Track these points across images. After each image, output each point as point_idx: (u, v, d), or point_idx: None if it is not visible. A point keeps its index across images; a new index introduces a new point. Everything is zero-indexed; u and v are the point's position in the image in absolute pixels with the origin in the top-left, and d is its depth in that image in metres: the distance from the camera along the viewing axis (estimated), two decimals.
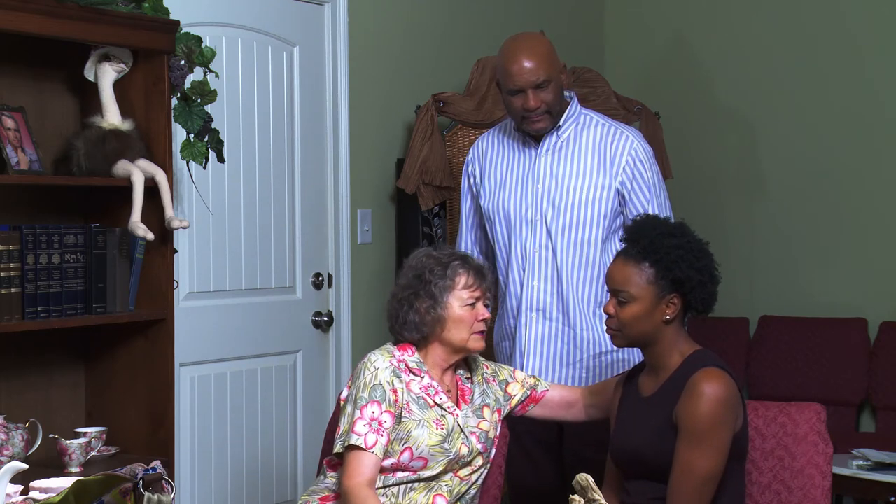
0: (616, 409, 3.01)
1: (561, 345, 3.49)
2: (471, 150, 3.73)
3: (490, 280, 3.15)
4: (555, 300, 3.48)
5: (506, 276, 3.57)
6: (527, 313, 3.51)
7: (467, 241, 3.74)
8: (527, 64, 3.42)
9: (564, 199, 3.48)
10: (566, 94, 3.57)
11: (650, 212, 3.43)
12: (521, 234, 3.52)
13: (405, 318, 3.06)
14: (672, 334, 2.88)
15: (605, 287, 3.45)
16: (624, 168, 3.47)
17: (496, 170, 3.61)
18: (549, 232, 3.49)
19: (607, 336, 3.44)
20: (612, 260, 3.46)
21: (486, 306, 3.10)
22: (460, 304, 3.05)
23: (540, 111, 3.45)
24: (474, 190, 3.68)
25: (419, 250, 3.18)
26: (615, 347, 3.45)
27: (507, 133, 3.65)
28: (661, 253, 2.83)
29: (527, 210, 3.52)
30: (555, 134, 3.53)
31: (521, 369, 3.49)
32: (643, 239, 2.87)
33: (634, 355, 3.45)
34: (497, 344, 3.67)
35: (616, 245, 3.49)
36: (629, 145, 3.49)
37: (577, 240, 3.47)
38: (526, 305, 3.51)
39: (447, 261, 3.08)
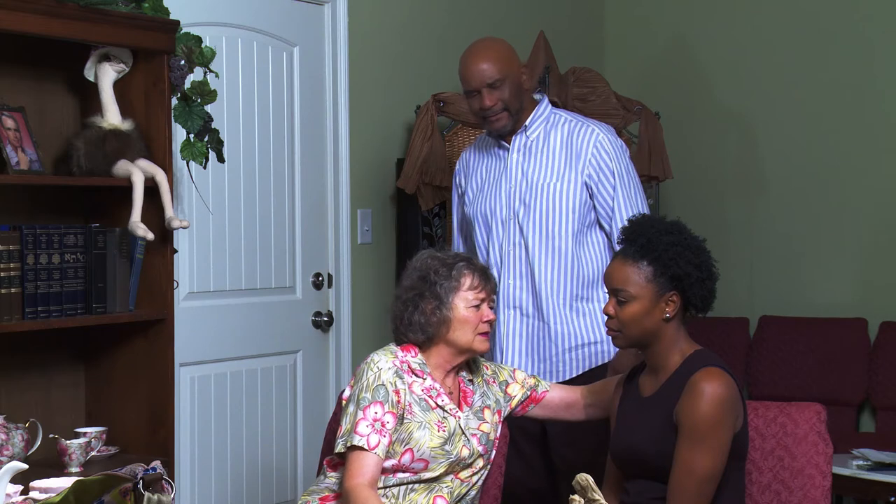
0: (616, 409, 3.01)
1: (536, 340, 3.55)
2: (457, 163, 3.83)
3: (494, 282, 3.15)
4: (529, 296, 3.55)
5: None
6: (505, 311, 3.58)
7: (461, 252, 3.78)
8: (479, 65, 3.52)
9: (534, 196, 3.55)
10: (536, 95, 3.65)
11: (615, 201, 3.52)
12: (497, 234, 3.60)
13: (410, 320, 3.06)
14: (672, 333, 2.88)
15: (581, 281, 3.50)
16: (589, 160, 3.54)
17: (477, 176, 3.71)
18: (521, 229, 3.56)
19: (581, 329, 3.51)
20: (588, 254, 3.52)
21: (491, 308, 3.11)
22: (465, 304, 3.05)
23: (496, 109, 3.53)
24: (461, 196, 3.77)
25: (423, 252, 3.18)
26: (590, 340, 3.50)
27: (484, 141, 3.74)
28: (658, 250, 2.84)
29: (501, 210, 3.60)
30: (523, 134, 3.61)
31: None
32: (640, 238, 2.87)
33: (610, 348, 3.48)
34: None
35: (593, 239, 3.55)
36: (594, 138, 3.56)
37: (548, 234, 3.53)
38: (504, 304, 3.57)
39: (452, 262, 3.08)
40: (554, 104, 4.87)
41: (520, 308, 3.57)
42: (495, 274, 3.57)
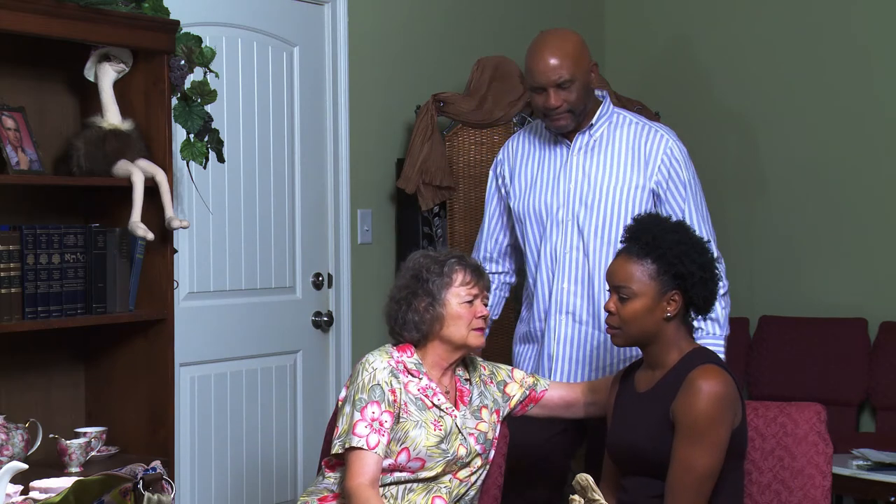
0: (612, 405, 3.01)
1: (590, 349, 3.43)
2: (500, 151, 3.65)
3: (487, 279, 3.15)
4: (585, 303, 3.42)
5: (535, 279, 3.50)
6: (556, 316, 3.44)
7: (487, 245, 3.67)
8: (550, 62, 3.35)
9: (597, 199, 3.41)
10: (598, 93, 3.50)
11: (686, 211, 3.40)
12: (551, 234, 3.45)
13: (404, 318, 3.07)
14: (672, 332, 2.88)
15: None
16: (659, 168, 3.42)
17: (527, 170, 3.55)
18: (580, 232, 3.42)
19: None
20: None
21: (485, 304, 3.11)
22: (458, 300, 3.05)
23: (561, 110, 3.38)
24: (503, 191, 3.61)
25: (415, 252, 3.20)
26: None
27: (537, 133, 3.58)
28: (663, 248, 2.84)
29: (558, 210, 3.45)
30: (587, 133, 3.46)
31: (550, 373, 3.46)
32: (645, 235, 2.88)
33: None
34: (517, 346, 3.62)
35: None
36: (664, 144, 3.45)
37: (611, 240, 3.39)
38: (556, 308, 3.44)
39: (444, 259, 3.10)
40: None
41: (573, 314, 3.42)
42: (546, 277, 3.45)
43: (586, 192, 3.43)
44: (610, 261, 3.37)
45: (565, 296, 3.43)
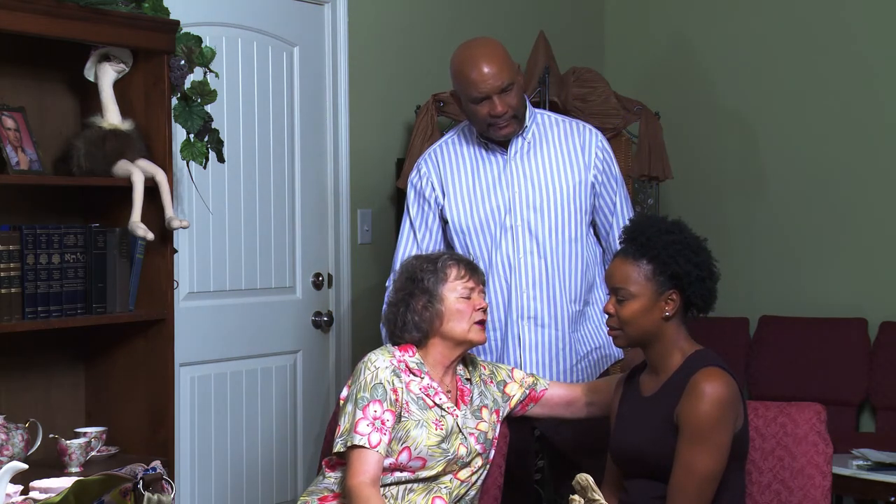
0: (616, 408, 3.02)
1: (556, 350, 3.44)
2: (422, 164, 3.54)
3: (481, 273, 3.16)
4: (545, 306, 3.42)
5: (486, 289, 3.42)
6: (518, 323, 3.43)
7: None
8: (488, 69, 3.32)
9: (546, 201, 3.42)
10: None
11: (618, 202, 3.50)
12: (501, 242, 3.43)
13: (403, 320, 3.08)
14: (672, 332, 2.88)
15: (588, 284, 3.48)
16: (595, 162, 3.47)
17: (462, 181, 3.48)
18: (534, 236, 3.42)
19: (597, 330, 3.47)
20: (591, 255, 3.49)
21: (482, 297, 3.11)
22: (455, 295, 3.06)
23: (507, 116, 3.36)
24: (432, 204, 3.50)
25: (407, 257, 3.21)
26: (600, 343, 3.47)
27: (465, 142, 3.53)
28: (658, 249, 2.85)
29: (505, 217, 3.43)
30: (521, 137, 3.46)
31: None
32: (641, 236, 2.88)
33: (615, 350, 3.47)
34: None
35: (592, 239, 3.51)
36: (595, 139, 3.50)
37: (565, 239, 3.43)
38: (517, 314, 3.43)
39: (436, 257, 3.13)
40: (553, 104, 4.89)
41: (534, 318, 3.42)
42: (502, 285, 3.43)
43: (533, 196, 3.43)
44: (566, 260, 3.44)
45: (527, 301, 3.42)
